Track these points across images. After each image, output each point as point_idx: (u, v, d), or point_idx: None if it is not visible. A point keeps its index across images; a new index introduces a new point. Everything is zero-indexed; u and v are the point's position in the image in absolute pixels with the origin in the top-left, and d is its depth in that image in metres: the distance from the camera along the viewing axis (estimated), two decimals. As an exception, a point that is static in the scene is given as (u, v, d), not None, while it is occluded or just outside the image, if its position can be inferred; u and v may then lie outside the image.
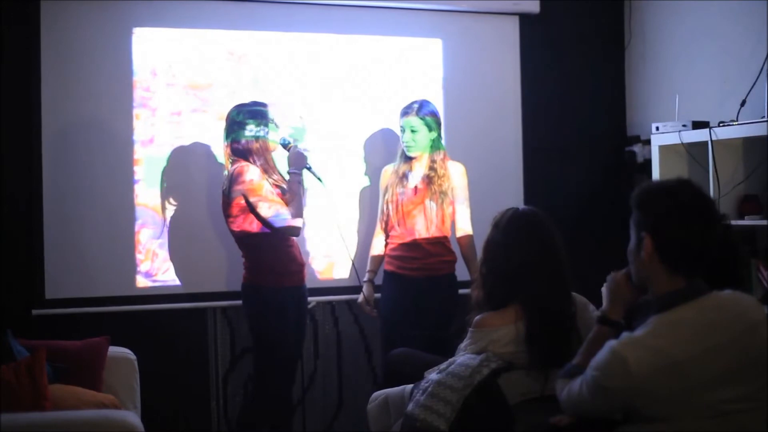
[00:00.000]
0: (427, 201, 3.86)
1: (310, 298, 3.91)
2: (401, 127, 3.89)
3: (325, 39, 4.33)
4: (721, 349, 1.93)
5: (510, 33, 4.62)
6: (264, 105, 3.72)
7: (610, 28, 4.86)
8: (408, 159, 3.91)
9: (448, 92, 4.51)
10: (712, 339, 1.94)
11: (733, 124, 3.72)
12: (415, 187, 3.89)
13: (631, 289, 2.21)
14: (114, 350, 3.59)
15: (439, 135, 3.93)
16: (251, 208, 3.55)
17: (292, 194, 3.62)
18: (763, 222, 3.63)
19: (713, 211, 2.06)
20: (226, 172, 3.67)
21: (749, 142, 3.75)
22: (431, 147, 3.90)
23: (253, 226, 3.59)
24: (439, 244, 3.92)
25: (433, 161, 3.90)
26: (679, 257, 2.01)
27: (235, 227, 3.62)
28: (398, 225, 3.89)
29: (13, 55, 3.91)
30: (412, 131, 3.85)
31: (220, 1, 4.19)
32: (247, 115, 3.65)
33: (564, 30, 4.78)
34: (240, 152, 3.63)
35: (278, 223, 3.56)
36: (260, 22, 4.24)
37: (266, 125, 3.65)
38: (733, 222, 3.68)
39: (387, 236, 3.97)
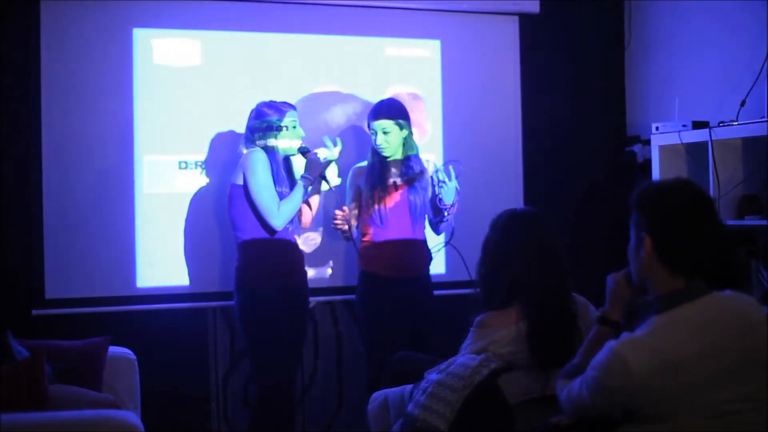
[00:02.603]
0: (410, 198, 3.82)
1: (310, 298, 3.90)
2: (372, 130, 3.83)
3: (325, 40, 4.33)
4: (721, 349, 1.93)
5: (510, 33, 4.62)
6: (292, 106, 3.73)
7: (610, 28, 4.86)
8: (382, 158, 3.87)
9: (447, 93, 4.51)
10: (712, 339, 1.94)
11: (733, 124, 3.72)
12: (395, 184, 3.86)
13: (630, 289, 2.21)
14: (114, 350, 3.60)
15: (411, 132, 3.88)
16: (245, 189, 3.58)
17: (290, 197, 3.62)
18: (763, 222, 3.63)
19: (713, 211, 2.06)
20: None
21: (749, 142, 3.75)
22: (404, 145, 3.87)
23: (245, 218, 3.61)
24: (422, 242, 3.91)
25: (408, 159, 3.87)
26: (679, 257, 2.01)
27: (234, 219, 3.65)
28: (382, 225, 3.83)
29: (13, 55, 3.91)
30: (384, 132, 3.80)
31: (219, 1, 4.19)
32: (270, 111, 3.67)
33: (564, 30, 4.78)
34: (253, 143, 3.67)
35: (261, 213, 3.57)
36: (259, 23, 4.24)
37: (285, 124, 3.66)
38: (733, 222, 3.69)
39: (364, 235, 3.91)
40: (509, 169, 4.61)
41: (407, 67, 4.45)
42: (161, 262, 4.08)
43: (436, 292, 4.00)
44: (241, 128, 4.09)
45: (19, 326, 3.55)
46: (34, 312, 3.88)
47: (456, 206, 3.78)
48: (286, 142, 3.68)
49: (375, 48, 4.41)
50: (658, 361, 1.90)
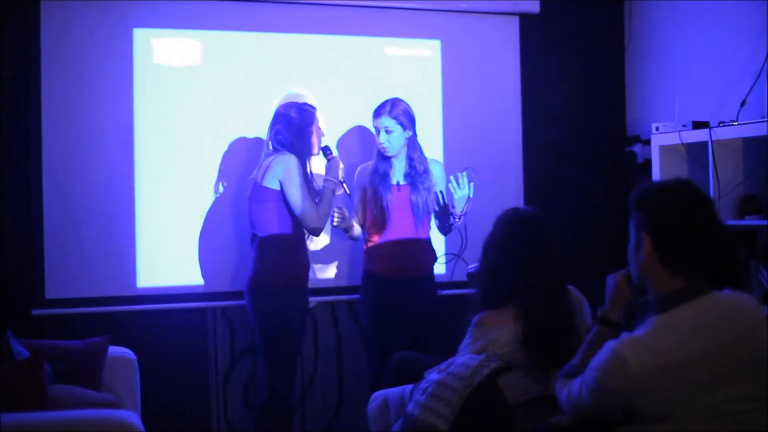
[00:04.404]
0: (413, 198, 3.83)
1: (310, 298, 3.90)
2: (375, 128, 3.85)
3: (324, 40, 4.33)
4: (721, 349, 1.93)
5: (510, 33, 4.62)
6: (313, 108, 3.75)
7: (610, 29, 4.86)
8: (386, 158, 3.87)
9: (447, 93, 4.51)
10: (712, 339, 1.94)
11: (733, 125, 3.72)
12: (398, 184, 3.86)
13: (630, 290, 2.21)
14: (114, 350, 3.60)
15: (415, 132, 3.89)
16: (284, 196, 3.58)
17: (325, 200, 3.65)
18: (763, 222, 3.63)
19: (713, 212, 2.06)
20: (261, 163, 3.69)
21: (749, 142, 3.75)
22: (408, 145, 3.87)
23: (273, 222, 3.61)
24: (426, 242, 3.91)
25: (411, 159, 3.87)
26: (679, 257, 2.01)
27: (256, 218, 3.65)
28: (385, 225, 3.83)
29: (13, 55, 3.91)
30: (387, 132, 3.81)
31: (219, 1, 4.19)
32: (295, 112, 3.68)
33: (564, 30, 4.78)
34: (283, 145, 3.66)
35: (304, 217, 3.59)
36: (259, 23, 4.24)
37: (310, 126, 3.69)
38: (733, 222, 3.69)
39: (368, 235, 3.92)
40: (509, 169, 4.61)
41: (407, 67, 4.45)
42: (162, 262, 4.08)
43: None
44: (241, 128, 4.11)
45: (19, 326, 3.55)
46: (34, 312, 3.88)
47: (464, 215, 3.81)
48: (315, 144, 3.71)
49: (375, 48, 4.41)
50: (658, 362, 1.90)
